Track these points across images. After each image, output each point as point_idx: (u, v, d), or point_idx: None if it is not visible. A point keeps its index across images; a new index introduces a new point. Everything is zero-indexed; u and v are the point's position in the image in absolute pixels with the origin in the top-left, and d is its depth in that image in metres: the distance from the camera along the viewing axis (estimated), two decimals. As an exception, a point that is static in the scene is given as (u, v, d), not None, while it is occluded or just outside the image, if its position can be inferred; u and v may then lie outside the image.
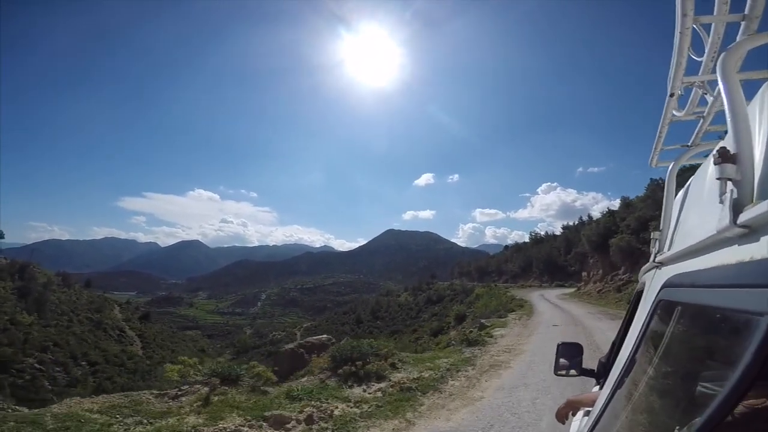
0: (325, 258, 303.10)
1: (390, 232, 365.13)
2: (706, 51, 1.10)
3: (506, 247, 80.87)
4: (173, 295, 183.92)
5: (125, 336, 52.30)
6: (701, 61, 1.13)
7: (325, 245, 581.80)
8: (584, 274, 34.05)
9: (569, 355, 2.11)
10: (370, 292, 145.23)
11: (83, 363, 27.81)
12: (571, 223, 54.43)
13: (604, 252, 28.99)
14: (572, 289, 34.54)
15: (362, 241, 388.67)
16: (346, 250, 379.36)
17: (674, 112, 1.36)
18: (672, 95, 1.23)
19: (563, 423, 1.81)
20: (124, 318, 62.88)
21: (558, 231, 61.10)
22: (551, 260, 52.28)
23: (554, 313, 17.74)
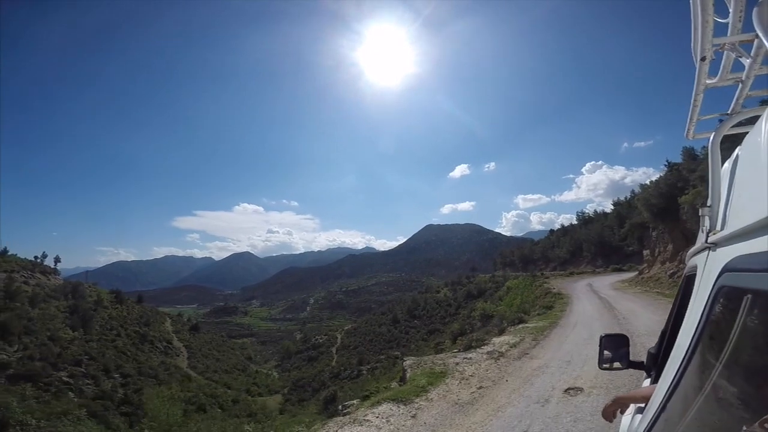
0: (367, 259, 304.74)
1: (429, 228, 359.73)
2: (731, 10, 1.01)
3: (552, 231, 74.61)
4: (229, 305, 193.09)
5: (171, 347, 54.17)
6: (727, 23, 1.05)
7: (366, 246, 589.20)
8: (646, 252, 27.03)
9: (614, 347, 2.00)
10: (413, 289, 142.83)
11: (116, 375, 28.16)
12: (623, 198, 48.37)
13: (671, 219, 22.25)
14: (632, 274, 28.45)
15: (402, 239, 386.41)
16: (387, 249, 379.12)
17: (707, 80, 1.25)
18: (703, 59, 1.13)
19: (610, 421, 1.67)
20: (174, 330, 65.69)
21: (609, 209, 54.86)
22: (603, 241, 46.73)
23: (596, 323, 11.61)
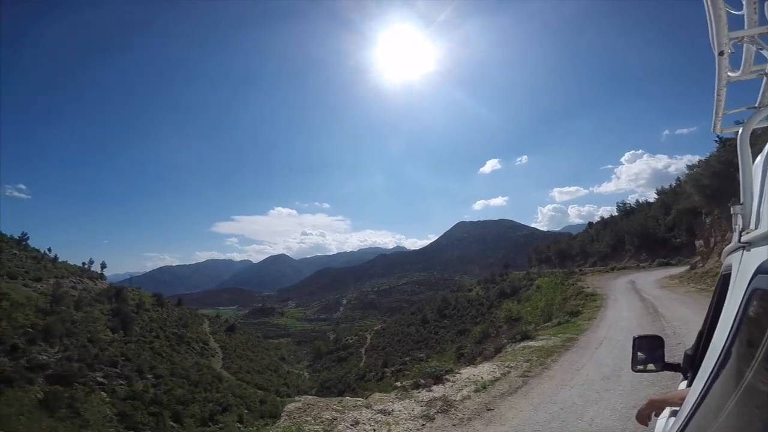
0: (398, 258, 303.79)
1: (461, 225, 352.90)
2: (745, 3, 1.03)
3: (590, 224, 70.25)
4: (267, 306, 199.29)
5: (208, 348, 56.06)
6: (742, 15, 1.05)
7: (397, 246, 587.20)
8: (699, 243, 23.14)
9: (648, 348, 1.96)
10: (445, 288, 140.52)
11: (149, 376, 29.15)
12: (667, 186, 44.36)
13: (728, 202, 19.59)
14: (682, 268, 25.01)
15: (433, 237, 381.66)
16: (418, 248, 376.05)
17: (729, 73, 1.24)
18: (721, 54, 1.13)
19: (645, 425, 1.63)
20: (212, 331, 68.12)
21: (652, 198, 50.64)
22: (647, 233, 43.05)
23: (630, 343, 7.63)
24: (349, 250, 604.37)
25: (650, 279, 22.89)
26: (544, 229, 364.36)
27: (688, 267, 24.13)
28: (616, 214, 59.56)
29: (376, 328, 76.66)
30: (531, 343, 9.70)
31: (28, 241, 54.95)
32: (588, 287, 22.38)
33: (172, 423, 22.19)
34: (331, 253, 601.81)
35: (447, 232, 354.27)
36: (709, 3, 0.99)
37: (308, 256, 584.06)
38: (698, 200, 22.13)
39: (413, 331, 59.23)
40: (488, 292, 64.65)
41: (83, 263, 61.77)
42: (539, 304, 16.93)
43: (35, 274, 44.86)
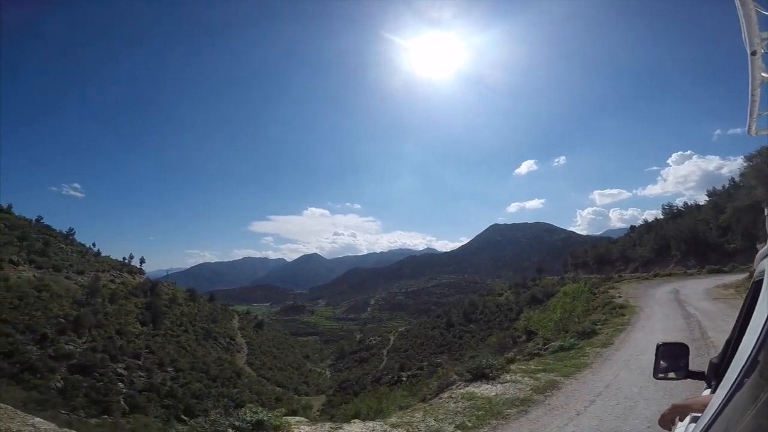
0: (428, 260, 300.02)
1: (495, 228, 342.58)
2: None
3: (632, 227, 65.36)
4: (298, 304, 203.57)
5: (234, 343, 57.46)
6: None
7: (427, 248, 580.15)
8: (761, 246, 20.79)
9: (672, 356, 1.94)
10: (475, 292, 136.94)
11: (170, 369, 29.88)
12: (719, 187, 40.04)
13: None
14: (737, 276, 22.08)
15: (465, 240, 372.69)
16: (449, 250, 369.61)
17: (763, 73, 1.25)
18: (753, 54, 1.15)
19: (668, 429, 1.59)
20: (240, 327, 69.95)
21: (702, 201, 46.05)
22: (697, 237, 39.07)
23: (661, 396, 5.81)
24: (379, 250, 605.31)
25: (698, 288, 20.04)
26: (583, 233, 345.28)
27: (745, 275, 21.09)
28: (662, 217, 54.80)
29: (400, 329, 75.59)
30: (479, 390, 6.67)
31: (75, 237, 59.30)
32: (620, 296, 19.95)
33: (183, 416, 22.47)
34: (361, 254, 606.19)
35: (480, 234, 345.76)
36: (739, 3, 0.99)
37: (340, 256, 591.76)
38: (762, 193, 19.17)
39: (437, 334, 57.61)
40: (518, 297, 61.87)
41: (123, 258, 65.63)
42: (553, 315, 14.93)
43: (79, 268, 47.89)
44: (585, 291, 21.04)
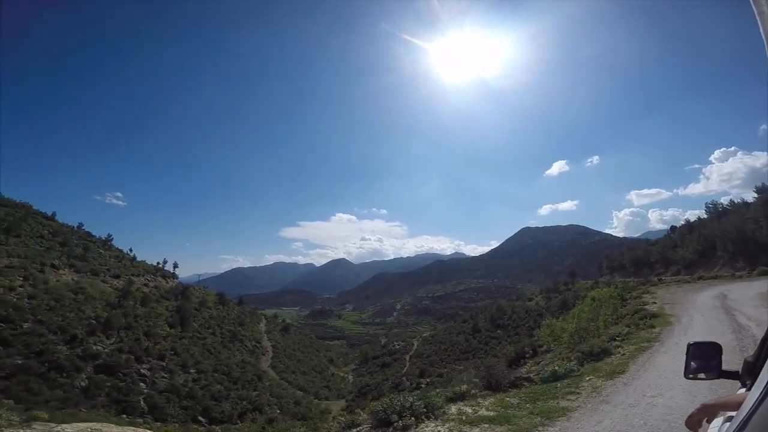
0: (456, 265, 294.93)
1: (526, 231, 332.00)
2: None
3: (673, 228, 61.09)
4: (326, 308, 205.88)
5: (259, 346, 58.37)
6: None
7: (455, 252, 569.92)
8: None
9: (703, 356, 1.88)
10: (505, 296, 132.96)
11: (192, 371, 30.51)
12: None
13: None
14: None
15: (495, 244, 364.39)
16: (478, 254, 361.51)
17: None
18: None
19: (695, 431, 1.52)
20: (267, 330, 71.19)
21: (750, 199, 42.19)
22: (745, 237, 35.73)
23: None
24: (405, 255, 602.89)
25: (749, 292, 17.72)
26: (620, 234, 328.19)
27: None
28: (705, 216, 50.82)
29: (424, 334, 74.23)
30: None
31: (113, 242, 62.70)
32: (654, 302, 17.96)
33: (200, 417, 22.79)
34: (388, 258, 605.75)
35: (510, 238, 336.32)
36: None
37: (367, 261, 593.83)
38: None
39: (462, 340, 55.88)
40: (549, 303, 59.19)
41: (157, 263, 68.66)
42: (569, 326, 13.21)
43: (115, 272, 50.49)
44: (614, 296, 19.31)
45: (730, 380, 1.81)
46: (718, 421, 1.53)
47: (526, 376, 8.59)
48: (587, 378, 7.62)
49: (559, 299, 55.16)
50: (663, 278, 43.26)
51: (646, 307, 16.64)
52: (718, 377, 1.82)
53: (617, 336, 11.14)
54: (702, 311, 14.53)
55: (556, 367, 8.46)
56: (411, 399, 6.01)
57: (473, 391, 7.44)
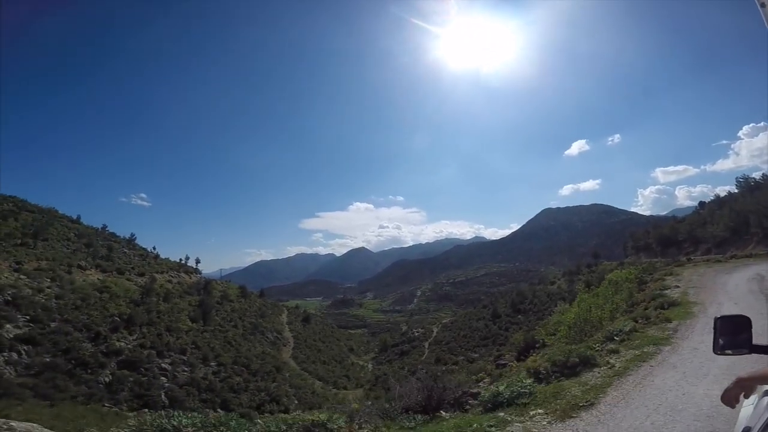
0: (476, 249, 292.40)
1: (547, 212, 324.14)
2: None
3: (701, 204, 58.00)
4: (347, 297, 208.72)
5: (281, 338, 59.71)
6: None
7: (475, 236, 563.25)
8: None
9: (731, 331, 1.84)
10: (528, 280, 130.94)
11: (212, 363, 31.42)
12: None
13: None
14: None
15: (515, 227, 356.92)
16: (498, 238, 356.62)
17: None
18: (763, 5, 1.18)
19: (732, 407, 1.51)
20: (288, 321, 72.70)
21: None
22: (782, 211, 33.29)
23: None
24: (424, 241, 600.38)
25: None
26: (647, 213, 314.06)
27: None
28: (736, 191, 47.91)
29: (444, 321, 74.10)
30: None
31: (137, 241, 65.00)
32: (677, 286, 16.30)
33: (219, 410, 23.40)
34: (407, 245, 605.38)
35: (531, 220, 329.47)
36: None
37: (386, 249, 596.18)
38: None
39: (481, 326, 55.43)
40: (572, 286, 57.75)
41: (180, 259, 70.83)
42: (568, 317, 11.88)
43: (140, 270, 52.38)
44: (631, 279, 18.10)
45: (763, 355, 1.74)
46: (754, 397, 1.48)
47: (475, 391, 6.93)
48: (531, 412, 5.48)
49: (583, 282, 53.69)
50: (692, 258, 41.23)
51: (667, 292, 15.10)
52: (749, 352, 1.76)
53: (617, 334, 9.07)
54: (734, 297, 12.55)
55: (501, 387, 6.34)
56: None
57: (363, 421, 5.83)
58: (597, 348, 8.23)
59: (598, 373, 6.83)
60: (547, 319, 18.17)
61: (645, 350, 7.88)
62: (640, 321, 10.35)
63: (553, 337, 12.98)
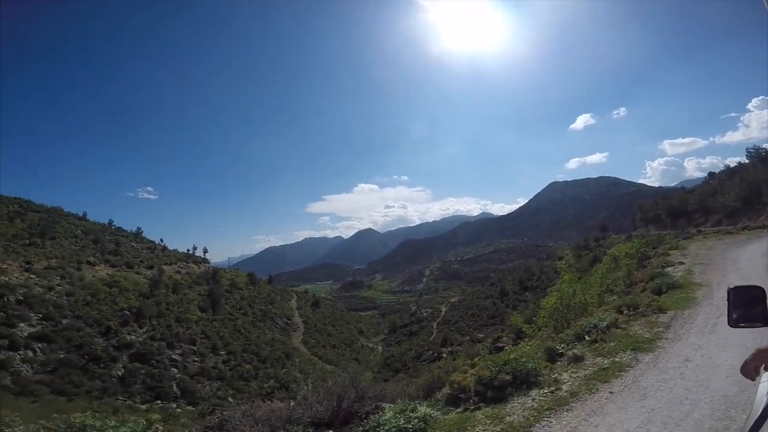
0: (483, 225, 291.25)
1: (554, 186, 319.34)
2: None
3: (711, 174, 56.46)
4: (356, 279, 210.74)
5: (290, 323, 60.66)
6: None
7: (482, 212, 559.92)
8: None
9: (745, 302, 1.75)
10: (536, 256, 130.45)
11: (222, 353, 32.10)
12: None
13: None
14: None
15: (522, 201, 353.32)
16: (506, 213, 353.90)
17: None
18: None
19: (752, 379, 1.50)
20: (297, 306, 73.70)
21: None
22: (795, 178, 32.13)
23: None
24: (431, 219, 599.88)
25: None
26: (655, 184, 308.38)
27: None
28: (747, 162, 46.47)
29: (452, 300, 74.55)
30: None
31: (144, 235, 65.64)
32: (682, 263, 14.78)
33: (230, 399, 24.02)
34: (413, 224, 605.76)
35: (538, 194, 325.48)
36: None
37: (392, 229, 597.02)
38: None
39: (489, 304, 55.63)
40: (580, 261, 57.32)
41: (187, 250, 71.57)
42: (549, 301, 10.55)
43: (149, 263, 53.11)
44: (631, 255, 17.41)
45: None
46: None
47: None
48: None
49: (590, 256, 53.16)
50: (702, 229, 40.39)
51: (669, 270, 13.66)
52: (765, 325, 1.68)
53: (590, 331, 7.35)
54: (747, 276, 11.04)
55: (388, 415, 4.86)
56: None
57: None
58: (560, 350, 6.81)
59: (532, 400, 5.04)
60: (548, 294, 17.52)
61: (616, 360, 6.01)
62: (625, 312, 8.65)
63: (531, 325, 11.72)
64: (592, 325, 7.52)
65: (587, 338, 7.12)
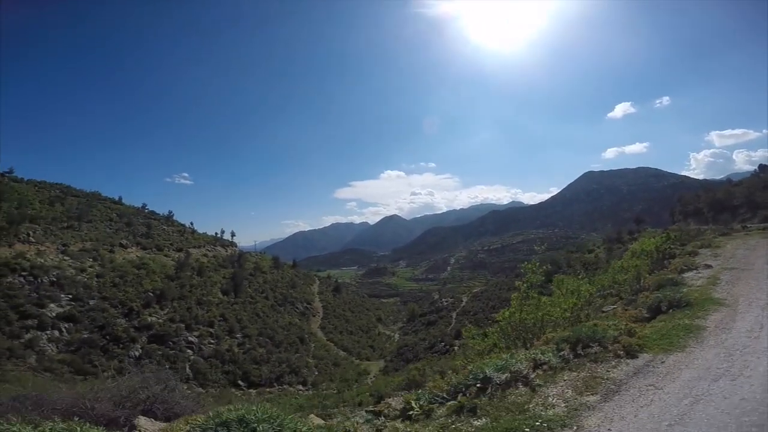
0: (513, 214, 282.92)
1: (589, 175, 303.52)
2: None
3: (762, 166, 51.50)
4: (380, 266, 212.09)
5: (310, 308, 61.89)
6: None
7: (512, 201, 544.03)
8: None
9: None
10: (568, 247, 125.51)
11: (238, 336, 33.15)
12: None
13: None
14: None
15: (555, 191, 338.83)
16: (537, 202, 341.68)
17: None
18: None
19: None
20: (319, 291, 75.07)
21: None
22: None
23: None
24: (458, 207, 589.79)
25: None
26: (699, 177, 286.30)
27: None
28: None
29: (474, 290, 73.28)
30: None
31: (175, 218, 68.62)
32: (708, 266, 12.26)
33: (240, 382, 24.85)
34: (440, 212, 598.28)
35: (571, 183, 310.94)
36: None
37: (418, 216, 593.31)
38: None
39: (511, 296, 54.10)
40: (610, 254, 54.56)
41: (215, 233, 74.24)
42: (504, 314, 8.98)
43: (178, 246, 55.54)
44: (649, 253, 15.60)
45: None
46: None
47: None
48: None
49: (622, 251, 50.40)
50: (748, 225, 37.03)
51: (688, 275, 11.30)
52: None
53: (471, 386, 4.86)
54: None
55: None
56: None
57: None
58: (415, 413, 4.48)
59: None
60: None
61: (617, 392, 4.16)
62: (566, 351, 5.65)
63: (483, 340, 9.15)
64: (480, 377, 4.86)
65: (465, 403, 4.40)
